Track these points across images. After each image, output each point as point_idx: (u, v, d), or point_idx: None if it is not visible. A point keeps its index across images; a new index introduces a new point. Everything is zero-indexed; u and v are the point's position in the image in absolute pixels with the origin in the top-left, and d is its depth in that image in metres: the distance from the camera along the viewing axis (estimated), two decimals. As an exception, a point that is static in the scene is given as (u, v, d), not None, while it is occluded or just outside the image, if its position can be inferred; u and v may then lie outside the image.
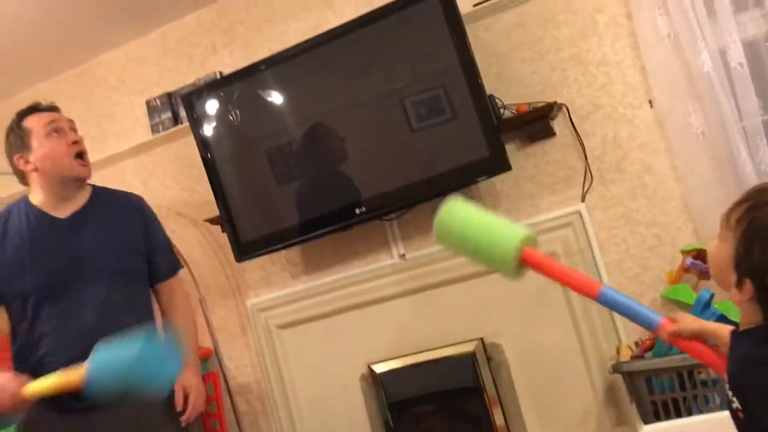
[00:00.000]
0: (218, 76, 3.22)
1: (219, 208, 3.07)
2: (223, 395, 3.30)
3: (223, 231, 3.17)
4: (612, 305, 1.27)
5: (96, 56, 3.58)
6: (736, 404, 1.10)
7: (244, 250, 3.04)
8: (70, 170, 2.06)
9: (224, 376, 3.31)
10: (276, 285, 3.27)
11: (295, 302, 3.21)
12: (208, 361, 3.37)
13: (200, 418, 3.28)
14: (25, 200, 2.10)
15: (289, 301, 3.22)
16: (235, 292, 3.37)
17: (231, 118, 3.03)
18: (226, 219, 3.06)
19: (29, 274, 1.98)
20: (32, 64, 3.50)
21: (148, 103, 3.44)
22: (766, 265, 1.02)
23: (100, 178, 3.44)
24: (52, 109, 2.15)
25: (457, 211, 1.39)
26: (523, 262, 1.31)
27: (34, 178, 2.07)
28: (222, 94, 3.03)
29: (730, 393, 1.10)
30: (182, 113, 3.30)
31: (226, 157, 3.05)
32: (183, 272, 3.31)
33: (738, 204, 1.09)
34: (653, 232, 2.71)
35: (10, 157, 2.10)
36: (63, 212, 2.07)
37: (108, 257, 2.05)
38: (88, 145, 2.16)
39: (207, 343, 3.34)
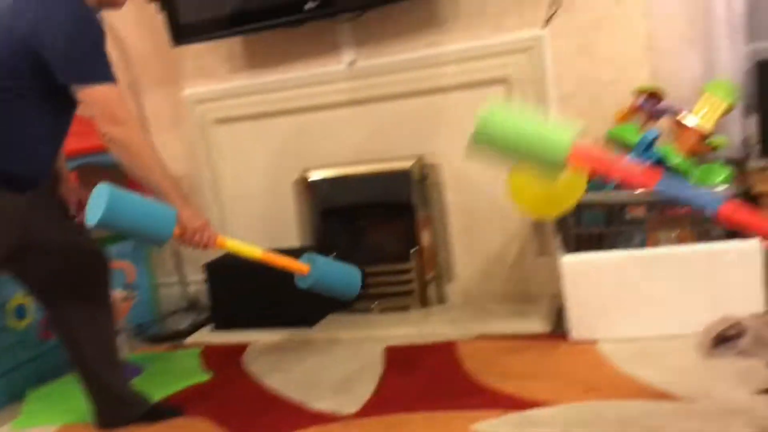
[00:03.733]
0: None
1: (158, -17, 2.81)
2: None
3: (162, 9, 2.91)
4: (669, 193, 1.46)
5: None
6: None
7: (181, 34, 2.82)
8: None
9: (154, 166, 3.19)
10: (214, 77, 3.09)
11: (234, 98, 3.07)
12: (138, 149, 3.24)
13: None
14: None
15: (227, 96, 3.07)
16: (171, 81, 3.18)
17: None
18: (164, -4, 2.80)
19: None
20: None
21: None
22: None
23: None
24: None
25: (501, 115, 1.53)
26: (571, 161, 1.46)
27: None
28: None
29: None
30: None
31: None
32: (115, 53, 3.11)
33: None
34: (613, 67, 2.61)
35: None
36: None
37: None
38: None
39: (137, 130, 3.20)
